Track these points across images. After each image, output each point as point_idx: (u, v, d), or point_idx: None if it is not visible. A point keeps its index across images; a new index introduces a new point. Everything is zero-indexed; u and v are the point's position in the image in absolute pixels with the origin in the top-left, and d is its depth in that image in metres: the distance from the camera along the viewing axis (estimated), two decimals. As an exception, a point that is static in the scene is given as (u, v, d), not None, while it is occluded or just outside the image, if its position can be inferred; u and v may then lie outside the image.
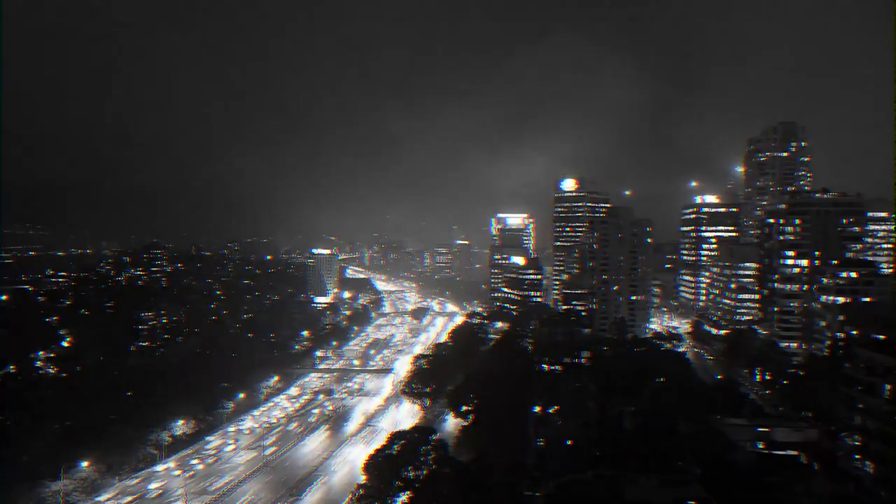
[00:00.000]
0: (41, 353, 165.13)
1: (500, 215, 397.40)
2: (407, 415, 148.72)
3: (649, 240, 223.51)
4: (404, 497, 76.41)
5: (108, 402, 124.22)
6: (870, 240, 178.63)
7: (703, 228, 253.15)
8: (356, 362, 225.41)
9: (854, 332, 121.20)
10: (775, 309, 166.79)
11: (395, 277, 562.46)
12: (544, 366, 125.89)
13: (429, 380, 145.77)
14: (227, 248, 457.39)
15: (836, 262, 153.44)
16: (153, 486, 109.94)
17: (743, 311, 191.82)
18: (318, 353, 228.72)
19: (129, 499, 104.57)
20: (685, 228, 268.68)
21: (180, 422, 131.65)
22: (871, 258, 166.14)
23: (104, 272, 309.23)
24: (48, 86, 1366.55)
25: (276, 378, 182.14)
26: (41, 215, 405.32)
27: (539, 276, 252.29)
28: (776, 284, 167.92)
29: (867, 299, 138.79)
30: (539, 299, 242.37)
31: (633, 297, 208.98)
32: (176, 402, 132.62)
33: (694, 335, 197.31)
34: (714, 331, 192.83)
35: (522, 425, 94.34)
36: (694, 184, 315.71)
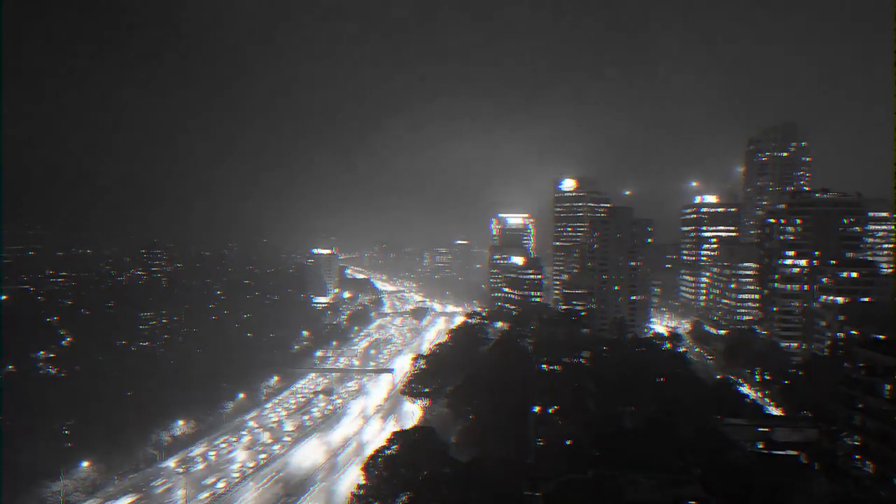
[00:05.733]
0: (41, 352, 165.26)
1: (501, 215, 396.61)
2: (407, 415, 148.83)
3: (649, 240, 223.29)
4: (404, 497, 76.32)
5: (108, 402, 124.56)
6: (870, 240, 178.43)
7: (703, 228, 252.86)
8: (356, 362, 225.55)
9: (854, 332, 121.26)
10: (775, 309, 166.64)
11: (395, 277, 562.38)
12: (544, 366, 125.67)
13: (429, 380, 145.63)
14: (227, 249, 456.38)
15: (835, 262, 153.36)
16: (153, 485, 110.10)
17: (743, 311, 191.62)
18: (319, 353, 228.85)
19: (130, 499, 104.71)
20: (685, 228, 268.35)
21: (180, 422, 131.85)
22: (871, 258, 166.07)
23: (104, 272, 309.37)
24: (48, 86, 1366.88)
25: (276, 378, 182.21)
26: (41, 215, 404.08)
27: (539, 276, 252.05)
28: (776, 284, 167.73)
29: (867, 299, 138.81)
30: (539, 299, 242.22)
31: (633, 297, 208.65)
32: (176, 403, 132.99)
33: (694, 335, 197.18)
34: (714, 331, 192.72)
35: (522, 425, 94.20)
36: (694, 184, 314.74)
